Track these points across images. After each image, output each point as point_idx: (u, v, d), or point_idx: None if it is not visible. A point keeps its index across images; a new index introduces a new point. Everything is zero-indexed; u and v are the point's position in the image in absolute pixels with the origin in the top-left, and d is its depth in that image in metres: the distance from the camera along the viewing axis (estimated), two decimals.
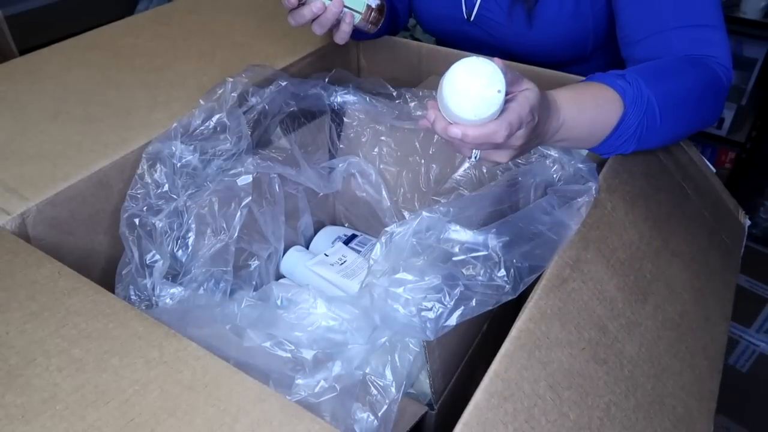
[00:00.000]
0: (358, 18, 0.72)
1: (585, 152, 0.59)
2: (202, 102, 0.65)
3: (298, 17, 0.68)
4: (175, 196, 0.59)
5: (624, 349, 0.47)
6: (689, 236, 0.62)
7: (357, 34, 0.75)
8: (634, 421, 0.44)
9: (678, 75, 0.60)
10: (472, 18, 0.83)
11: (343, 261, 0.73)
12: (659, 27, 0.64)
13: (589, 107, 0.54)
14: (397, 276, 0.44)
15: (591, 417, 0.42)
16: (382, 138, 0.77)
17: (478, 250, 0.46)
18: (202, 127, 0.64)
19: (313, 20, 0.69)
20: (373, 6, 0.72)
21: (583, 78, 0.60)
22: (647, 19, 0.66)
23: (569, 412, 0.41)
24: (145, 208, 0.57)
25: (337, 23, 0.71)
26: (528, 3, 0.76)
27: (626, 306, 0.50)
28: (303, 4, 0.68)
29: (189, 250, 0.58)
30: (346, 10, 0.70)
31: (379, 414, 0.44)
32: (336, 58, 0.85)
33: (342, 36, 0.72)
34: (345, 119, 0.78)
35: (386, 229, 0.48)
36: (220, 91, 0.66)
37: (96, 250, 0.60)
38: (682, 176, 0.66)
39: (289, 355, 0.45)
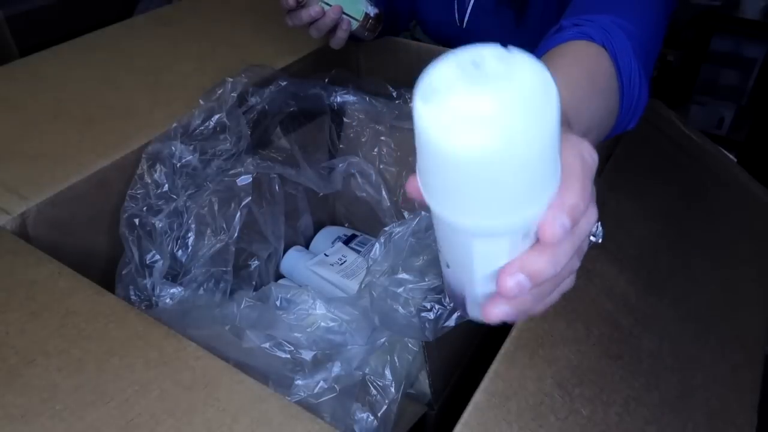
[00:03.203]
0: (355, 25, 0.72)
1: None
2: (201, 102, 0.65)
3: (296, 19, 0.69)
4: (175, 196, 0.59)
5: (641, 344, 0.47)
6: (711, 226, 0.61)
7: (354, 37, 0.76)
8: (659, 416, 0.43)
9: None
10: (464, 24, 0.84)
11: (343, 261, 0.73)
12: None
13: (582, 84, 0.39)
14: (397, 276, 0.44)
15: (607, 413, 0.41)
16: (382, 138, 0.77)
17: None
18: (202, 127, 0.64)
19: (311, 24, 0.69)
20: (371, 14, 0.72)
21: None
22: None
23: (582, 408, 0.41)
24: (145, 208, 0.57)
25: (334, 28, 0.71)
26: (516, 4, 0.76)
27: (640, 300, 0.50)
28: (302, 6, 0.68)
29: (189, 250, 0.58)
30: (344, 16, 0.70)
31: (379, 414, 0.44)
32: (336, 58, 0.85)
33: (338, 42, 0.73)
34: (345, 119, 0.78)
35: (385, 228, 0.48)
36: (219, 92, 0.66)
37: (96, 250, 0.60)
38: (697, 168, 0.66)
39: (288, 356, 0.45)
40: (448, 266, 0.29)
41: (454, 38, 0.87)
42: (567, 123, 0.34)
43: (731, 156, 0.72)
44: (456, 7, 0.84)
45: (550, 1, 0.75)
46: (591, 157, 0.27)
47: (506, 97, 0.21)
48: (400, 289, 0.43)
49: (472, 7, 0.82)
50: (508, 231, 0.24)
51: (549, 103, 0.21)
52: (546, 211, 0.24)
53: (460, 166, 0.21)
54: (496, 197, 0.22)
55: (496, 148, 0.21)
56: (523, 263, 0.25)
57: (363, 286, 0.47)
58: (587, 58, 0.41)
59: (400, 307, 0.42)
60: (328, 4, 0.68)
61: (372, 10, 0.72)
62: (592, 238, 0.31)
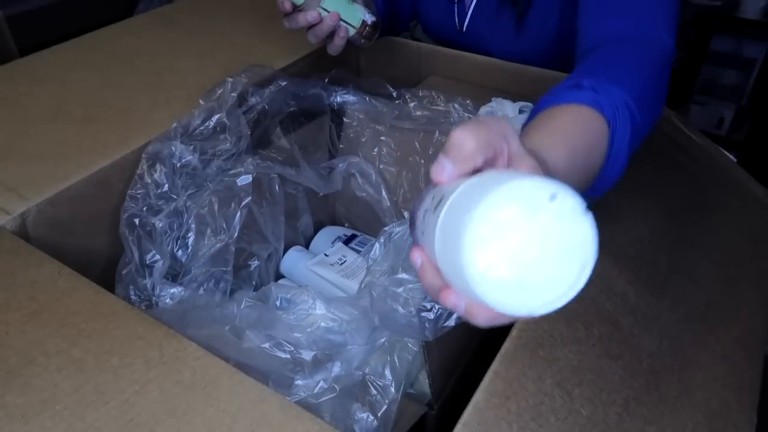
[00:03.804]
0: (352, 32, 0.73)
1: None
2: (201, 102, 0.65)
3: (293, 22, 0.69)
4: (175, 196, 0.59)
5: (641, 344, 0.47)
6: (711, 226, 0.61)
7: (350, 43, 0.76)
8: (659, 416, 0.43)
9: (634, 60, 0.53)
10: (464, 28, 0.84)
11: (343, 261, 0.73)
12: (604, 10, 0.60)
13: (579, 147, 0.43)
14: (397, 276, 0.44)
15: (607, 413, 0.41)
16: (382, 138, 0.77)
17: None
18: (202, 127, 0.64)
19: (309, 29, 0.69)
20: (369, 22, 0.73)
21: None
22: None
23: (581, 408, 0.41)
24: (145, 208, 0.57)
25: (332, 34, 0.71)
26: (518, 8, 0.76)
27: (640, 300, 0.50)
28: (300, 10, 0.68)
29: (189, 250, 0.58)
30: (341, 23, 0.70)
31: (379, 414, 0.44)
32: (336, 58, 0.85)
33: (335, 49, 0.73)
34: (345, 119, 0.78)
35: (385, 228, 0.48)
36: (219, 91, 0.67)
37: (96, 250, 0.60)
38: (697, 169, 0.66)
39: (288, 356, 0.45)
40: (422, 234, 0.31)
41: (453, 41, 0.87)
42: (547, 167, 0.37)
43: (731, 156, 0.72)
44: (456, 11, 0.84)
45: (552, 9, 0.75)
46: None
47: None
48: (400, 289, 0.43)
49: (472, 11, 0.82)
50: None
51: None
52: None
53: (475, 285, 0.25)
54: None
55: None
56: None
57: (363, 286, 0.47)
58: (592, 132, 0.45)
59: (400, 307, 0.42)
60: (326, 10, 0.68)
61: (369, 18, 0.73)
62: None
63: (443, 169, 0.30)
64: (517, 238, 0.24)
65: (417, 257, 0.32)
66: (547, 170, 0.37)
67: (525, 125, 0.46)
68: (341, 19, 0.70)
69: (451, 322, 0.42)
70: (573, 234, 0.25)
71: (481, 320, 0.29)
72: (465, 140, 0.30)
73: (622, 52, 0.54)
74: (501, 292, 0.24)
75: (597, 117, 0.45)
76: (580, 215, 0.25)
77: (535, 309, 0.25)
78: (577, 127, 0.44)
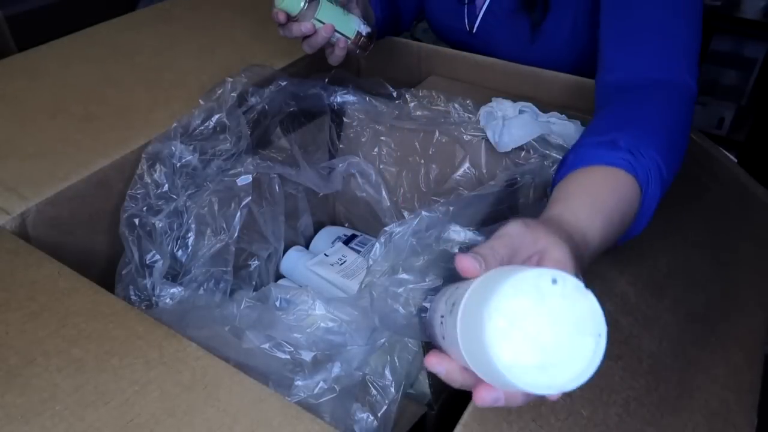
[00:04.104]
0: (347, 42, 0.73)
1: None
2: (201, 102, 0.65)
3: (287, 32, 0.70)
4: (174, 196, 0.59)
5: (641, 344, 0.47)
6: (711, 227, 0.61)
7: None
8: (659, 417, 0.43)
9: (661, 112, 0.54)
10: (474, 30, 0.83)
11: (343, 261, 0.73)
12: (632, 40, 0.60)
13: (615, 217, 0.44)
14: (397, 276, 0.44)
15: (607, 413, 0.41)
16: (382, 138, 0.77)
17: None
18: (202, 127, 0.64)
19: (303, 39, 0.70)
20: (363, 33, 0.73)
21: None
22: (622, 29, 0.62)
23: (582, 409, 0.41)
24: (144, 208, 0.57)
25: (330, 45, 0.71)
26: (533, 17, 0.76)
27: (640, 301, 0.50)
28: (294, 20, 0.68)
29: (189, 250, 0.58)
30: (336, 34, 0.70)
31: (379, 414, 0.44)
32: None
33: (335, 59, 0.73)
34: (345, 119, 0.78)
35: (385, 228, 0.48)
36: (219, 91, 0.66)
37: (96, 250, 0.60)
38: (698, 169, 0.66)
39: (288, 356, 0.45)
40: (443, 338, 0.33)
41: (462, 43, 0.87)
42: (588, 248, 0.40)
43: (731, 156, 0.71)
44: (466, 13, 0.84)
45: (565, 17, 0.75)
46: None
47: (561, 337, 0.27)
48: (401, 289, 0.43)
49: (483, 14, 0.82)
50: None
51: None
52: None
53: (500, 375, 0.27)
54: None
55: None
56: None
57: (363, 286, 0.47)
58: (627, 200, 0.46)
59: (400, 308, 0.42)
60: (320, 21, 0.68)
61: (364, 29, 0.73)
62: None
63: (472, 267, 0.32)
64: (533, 324, 0.27)
65: (437, 366, 0.33)
66: (584, 242, 0.40)
67: (557, 180, 0.48)
68: (336, 30, 0.70)
69: None
70: (580, 309, 0.27)
71: (519, 402, 0.32)
72: (499, 249, 0.34)
73: (650, 102, 0.55)
74: (530, 376, 0.27)
75: (632, 183, 0.46)
76: (582, 292, 0.28)
77: (564, 386, 0.27)
78: (614, 195, 0.45)
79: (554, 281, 0.27)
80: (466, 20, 0.84)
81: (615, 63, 0.61)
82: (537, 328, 0.27)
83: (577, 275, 0.33)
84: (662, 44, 0.59)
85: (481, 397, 0.31)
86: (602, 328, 0.28)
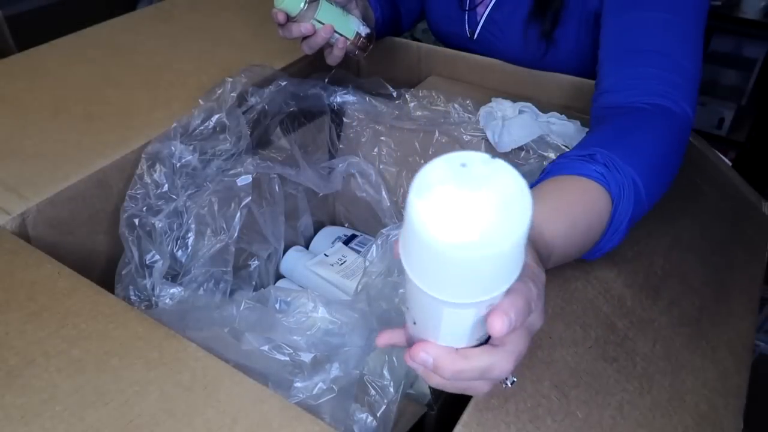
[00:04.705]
0: (347, 43, 0.73)
1: None
2: (201, 102, 0.65)
3: (287, 32, 0.69)
4: (174, 197, 0.59)
5: (636, 347, 0.47)
6: (706, 231, 0.61)
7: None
8: (651, 419, 0.43)
9: (650, 136, 0.53)
10: (475, 37, 0.83)
11: (342, 261, 0.73)
12: (631, 61, 0.60)
13: (581, 224, 0.45)
14: (394, 278, 0.44)
15: (602, 415, 0.42)
16: (382, 138, 0.77)
17: None
18: (202, 127, 0.64)
19: (303, 40, 0.70)
20: (363, 34, 0.73)
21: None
22: (622, 44, 0.62)
23: (577, 411, 0.41)
24: (144, 208, 0.57)
25: (329, 45, 0.71)
26: (544, 27, 0.76)
27: (636, 303, 0.50)
28: (294, 21, 0.68)
29: (189, 250, 0.58)
30: (336, 35, 0.70)
31: (378, 414, 0.44)
32: None
33: (334, 60, 0.73)
34: (345, 119, 0.78)
35: (382, 230, 0.48)
36: (219, 91, 0.66)
37: (96, 250, 0.60)
38: (693, 172, 0.66)
39: (287, 358, 0.45)
40: (414, 323, 0.32)
41: (463, 48, 0.87)
42: (548, 248, 0.41)
43: (726, 160, 0.71)
44: (467, 19, 0.84)
45: (569, 25, 0.75)
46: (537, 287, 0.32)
47: (488, 199, 0.25)
48: (399, 291, 0.43)
49: (484, 21, 0.82)
50: (475, 306, 0.28)
51: (523, 209, 0.25)
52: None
53: (442, 256, 0.25)
54: (469, 281, 0.27)
55: (475, 244, 0.24)
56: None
57: (360, 288, 0.47)
58: (595, 209, 0.47)
59: (396, 309, 0.42)
60: (320, 22, 0.68)
61: (363, 30, 0.73)
62: (506, 381, 0.36)
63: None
64: (458, 200, 0.25)
65: (388, 341, 0.35)
66: (544, 243, 0.40)
67: (535, 184, 0.49)
68: (335, 31, 0.70)
69: None
70: (498, 179, 0.26)
71: (446, 373, 0.32)
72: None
73: (641, 125, 0.55)
74: (469, 250, 0.25)
75: (603, 194, 0.47)
76: (490, 161, 0.26)
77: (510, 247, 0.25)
78: (581, 202, 0.46)
79: (463, 165, 0.26)
80: (466, 26, 0.84)
81: (613, 84, 0.60)
82: (463, 203, 0.25)
83: (539, 269, 0.35)
84: (663, 70, 0.58)
85: (412, 354, 0.31)
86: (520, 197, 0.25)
